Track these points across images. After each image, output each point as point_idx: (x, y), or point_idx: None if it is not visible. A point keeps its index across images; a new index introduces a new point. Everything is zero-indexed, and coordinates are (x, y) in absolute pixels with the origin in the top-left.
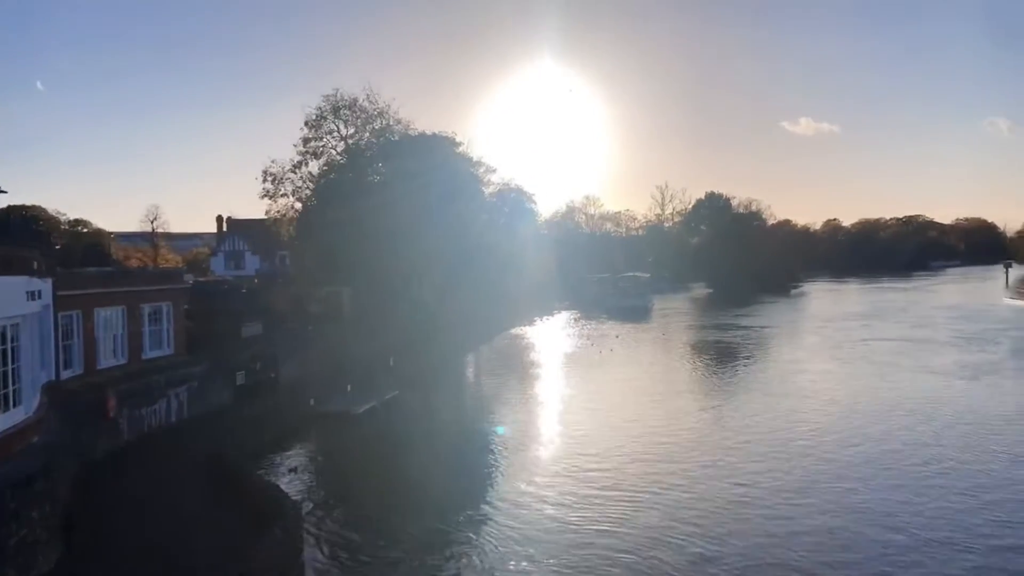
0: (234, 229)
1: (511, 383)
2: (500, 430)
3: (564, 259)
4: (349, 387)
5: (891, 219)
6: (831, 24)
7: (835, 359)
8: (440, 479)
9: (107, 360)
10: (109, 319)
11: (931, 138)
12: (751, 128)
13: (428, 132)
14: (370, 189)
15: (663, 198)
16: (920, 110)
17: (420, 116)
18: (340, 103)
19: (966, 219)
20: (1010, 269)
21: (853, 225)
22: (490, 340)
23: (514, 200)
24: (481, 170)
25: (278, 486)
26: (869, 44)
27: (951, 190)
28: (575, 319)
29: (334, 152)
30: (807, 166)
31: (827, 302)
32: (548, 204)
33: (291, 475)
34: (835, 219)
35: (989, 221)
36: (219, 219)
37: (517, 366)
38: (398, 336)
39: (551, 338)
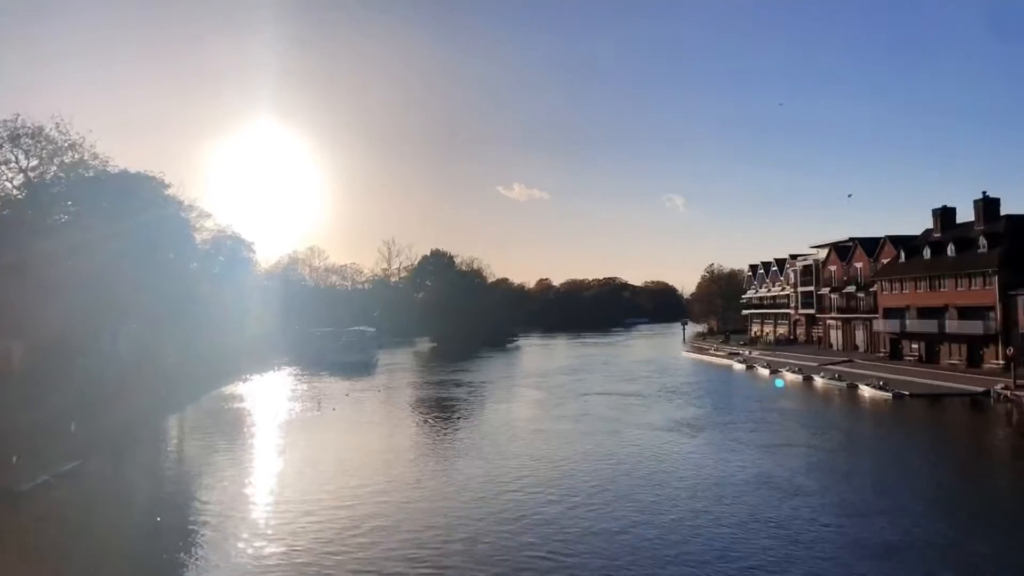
0: None
1: (220, 447)
2: (203, 501)
3: (286, 312)
4: (15, 458)
5: (593, 280)
6: (541, 92)
7: (561, 416)
8: (125, 563)
9: None
10: None
11: (624, 208)
12: (471, 190)
13: (132, 171)
14: (55, 230)
15: (390, 253)
16: (614, 182)
17: (130, 158)
18: (21, 130)
19: (653, 282)
20: (686, 326)
21: (562, 285)
22: (199, 400)
23: (231, 248)
24: (194, 215)
25: None
26: (573, 118)
27: (641, 255)
28: (296, 375)
29: (10, 185)
30: (522, 228)
31: (541, 356)
32: (271, 254)
33: None
34: (547, 279)
35: (671, 284)
36: None
37: (227, 428)
38: (85, 396)
39: (268, 397)
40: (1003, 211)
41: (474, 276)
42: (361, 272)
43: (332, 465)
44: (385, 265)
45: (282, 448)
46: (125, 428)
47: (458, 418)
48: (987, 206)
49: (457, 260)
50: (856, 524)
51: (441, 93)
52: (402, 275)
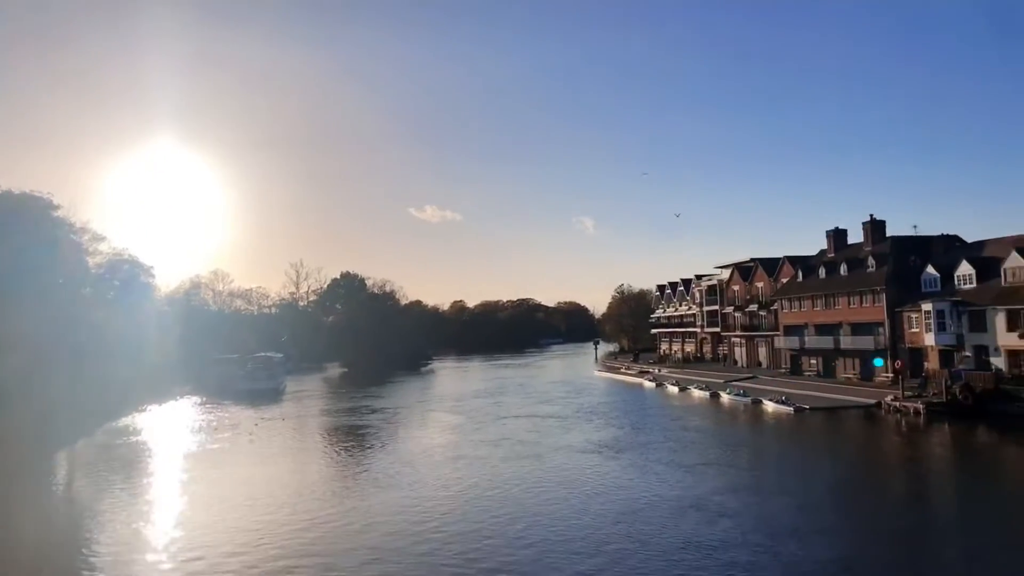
0: None
1: (114, 485)
2: (94, 546)
3: (188, 338)
4: None
5: (507, 301)
6: (453, 115)
7: (480, 441)
8: None
9: None
10: None
11: (536, 230)
12: (383, 211)
13: (16, 191)
14: None
15: (298, 276)
16: (527, 204)
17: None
18: None
19: (566, 302)
20: (598, 346)
21: (476, 306)
22: (91, 433)
23: (128, 272)
24: (86, 238)
25: None
26: (485, 140)
27: (554, 276)
28: (199, 405)
29: None
30: (435, 250)
31: (456, 379)
32: (172, 279)
33: None
34: (461, 301)
35: (583, 304)
36: None
37: (122, 464)
38: None
39: (167, 428)
40: (889, 232)
41: (386, 299)
42: (268, 296)
43: (237, 501)
44: (293, 289)
45: (182, 484)
46: (3, 469)
47: (372, 446)
48: (874, 227)
49: (369, 283)
50: (788, 544)
51: (351, 114)
52: (311, 299)
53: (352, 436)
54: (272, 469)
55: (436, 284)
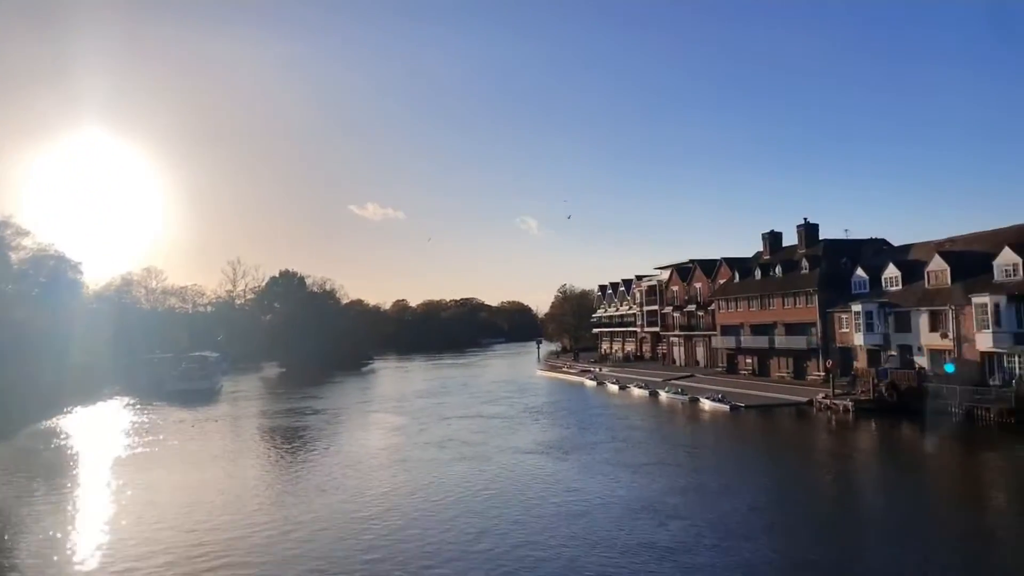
0: None
1: (36, 492)
2: (11, 555)
3: (119, 337)
4: None
5: (451, 301)
6: (395, 110)
7: (425, 443)
8: None
9: None
10: None
11: (480, 229)
12: (323, 209)
13: None
14: None
15: (235, 274)
16: (470, 203)
17: None
18: None
19: (509, 302)
20: (540, 345)
21: (419, 306)
22: (10, 437)
23: (53, 268)
24: (8, 232)
25: None
26: (428, 137)
27: (498, 276)
28: (130, 406)
29: None
30: (377, 248)
31: (399, 379)
32: (103, 275)
33: None
34: (403, 300)
35: (526, 304)
36: None
37: (45, 470)
38: None
39: (94, 431)
40: (822, 235)
41: (326, 297)
42: (203, 294)
43: (170, 508)
44: (230, 287)
45: (109, 490)
46: None
47: (314, 449)
48: (808, 231)
49: (308, 281)
50: (741, 544)
51: (290, 109)
52: (248, 297)
53: (292, 438)
54: (207, 473)
55: (378, 283)
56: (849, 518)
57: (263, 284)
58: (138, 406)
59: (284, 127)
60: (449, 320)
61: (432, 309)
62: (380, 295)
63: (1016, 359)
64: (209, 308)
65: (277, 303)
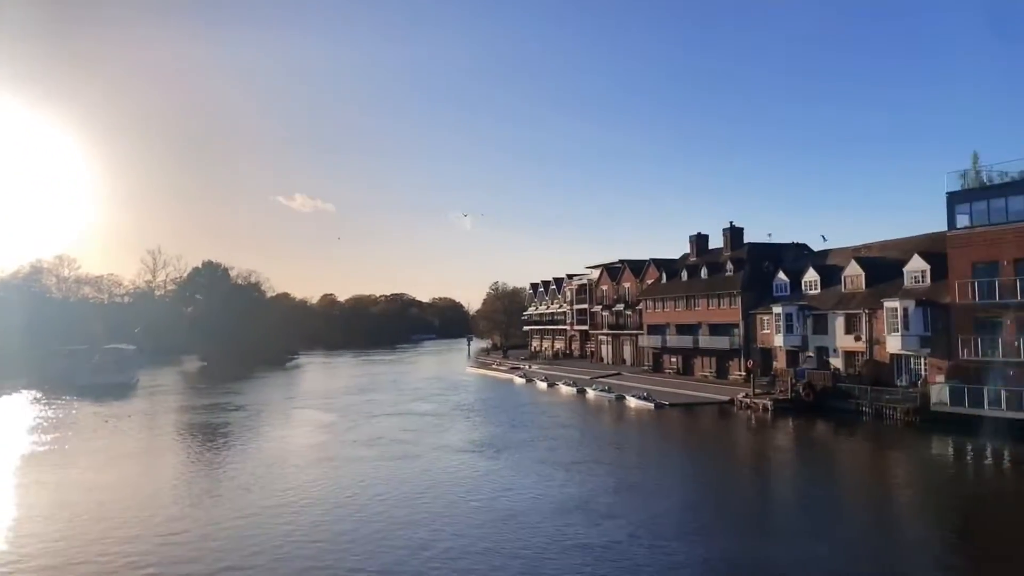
0: None
1: None
2: None
3: (28, 328)
4: None
5: (381, 296)
6: (325, 100)
7: (353, 441)
8: None
9: None
10: None
11: (412, 224)
12: (249, 199)
13: None
14: None
15: (155, 264)
16: (403, 197)
17: None
18: None
19: (440, 298)
20: (471, 342)
21: (347, 300)
22: None
23: None
24: None
25: None
26: (359, 129)
27: (430, 272)
28: (38, 400)
29: None
30: (305, 241)
31: (326, 375)
32: (9, 263)
33: None
34: (331, 294)
35: (458, 301)
36: None
37: None
38: None
39: None
40: (747, 239)
41: (251, 290)
42: (120, 284)
43: (80, 510)
44: (149, 277)
45: (12, 490)
46: None
47: (236, 447)
48: (733, 234)
49: (233, 273)
50: (678, 544)
51: (217, 96)
52: (169, 288)
53: (213, 435)
54: (122, 472)
55: (305, 276)
56: (771, 514)
57: (185, 275)
58: (48, 400)
59: (210, 113)
60: (379, 316)
61: (361, 304)
62: (308, 289)
63: (922, 361)
64: (126, 299)
65: (199, 295)
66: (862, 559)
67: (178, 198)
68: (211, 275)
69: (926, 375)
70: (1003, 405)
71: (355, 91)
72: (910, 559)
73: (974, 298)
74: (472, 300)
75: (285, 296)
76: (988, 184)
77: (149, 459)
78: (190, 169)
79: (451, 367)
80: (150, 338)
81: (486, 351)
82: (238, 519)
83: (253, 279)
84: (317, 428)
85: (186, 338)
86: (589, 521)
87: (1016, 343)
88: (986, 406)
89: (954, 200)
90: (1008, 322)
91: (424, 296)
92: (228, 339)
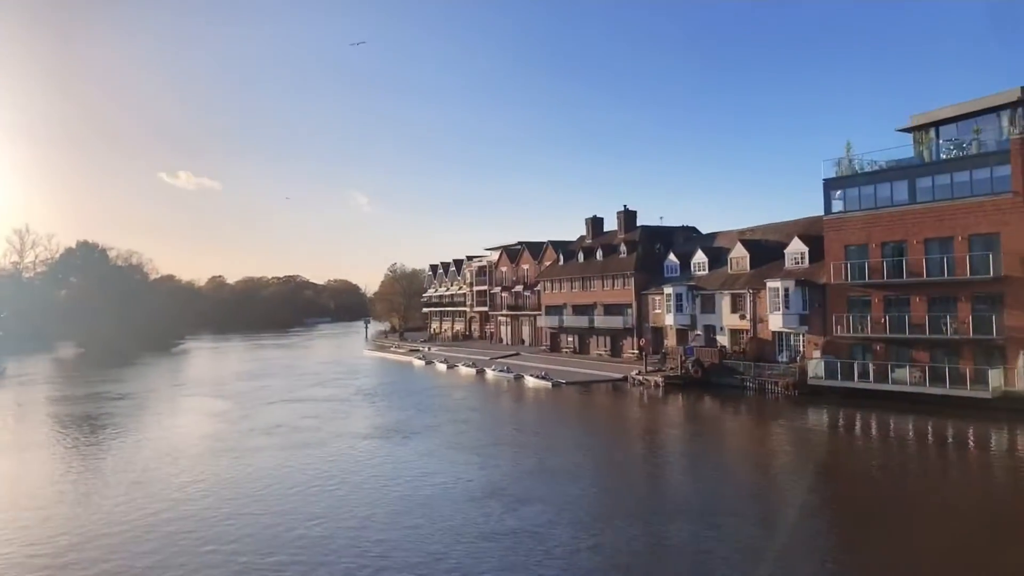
0: None
1: None
2: None
3: None
4: None
5: (273, 278)
6: (210, 74)
7: (250, 430)
8: None
9: None
10: None
11: (305, 203)
12: (128, 176)
13: None
14: None
15: (22, 244)
16: (295, 176)
17: None
18: None
19: (336, 280)
20: (368, 325)
21: (237, 283)
22: None
23: None
24: None
25: None
26: (247, 105)
27: (324, 253)
28: None
29: None
30: (191, 220)
31: (215, 361)
32: None
33: None
34: (220, 276)
35: (354, 283)
36: None
37: None
38: None
39: None
40: (640, 221)
41: (132, 272)
42: None
43: None
44: (16, 258)
45: None
46: None
47: (119, 439)
48: (627, 217)
49: (112, 254)
50: (597, 529)
51: (89, 66)
52: (39, 270)
53: (95, 427)
54: None
55: (192, 258)
56: (657, 480)
57: (57, 256)
58: None
59: (82, 81)
60: (270, 298)
61: (252, 287)
62: (194, 271)
63: (801, 338)
64: None
65: (74, 277)
66: (746, 520)
67: (49, 175)
68: (87, 256)
69: (804, 351)
70: (871, 377)
71: (245, 67)
72: (786, 520)
73: (847, 278)
74: (370, 283)
75: (170, 278)
76: (859, 172)
77: (23, 455)
78: (62, 141)
79: (348, 350)
80: (18, 323)
81: (384, 334)
82: (131, 517)
83: (134, 260)
84: (209, 417)
85: (60, 324)
86: (506, 506)
87: (882, 320)
88: (856, 379)
89: (830, 186)
90: (876, 300)
91: (319, 279)
92: (108, 324)
